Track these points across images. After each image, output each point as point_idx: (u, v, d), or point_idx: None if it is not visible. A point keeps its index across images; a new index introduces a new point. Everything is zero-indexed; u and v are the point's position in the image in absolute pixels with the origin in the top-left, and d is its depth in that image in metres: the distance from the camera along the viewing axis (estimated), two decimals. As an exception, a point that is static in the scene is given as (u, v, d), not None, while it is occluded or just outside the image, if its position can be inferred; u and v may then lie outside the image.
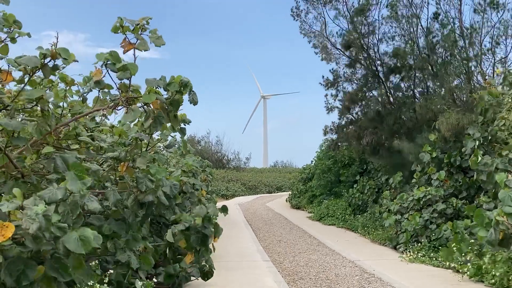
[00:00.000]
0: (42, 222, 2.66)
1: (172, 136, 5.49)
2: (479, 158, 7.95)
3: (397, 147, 12.15)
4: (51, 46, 3.84)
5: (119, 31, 3.81)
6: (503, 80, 9.35)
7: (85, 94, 4.53)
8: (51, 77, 4.36)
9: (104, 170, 4.15)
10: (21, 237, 2.89)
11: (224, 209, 5.61)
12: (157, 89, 3.87)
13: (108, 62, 3.71)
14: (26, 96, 3.83)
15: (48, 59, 3.80)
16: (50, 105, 4.07)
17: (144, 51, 3.88)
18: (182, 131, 4.72)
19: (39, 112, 3.97)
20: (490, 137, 8.91)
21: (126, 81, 3.82)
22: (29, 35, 3.96)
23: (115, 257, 4.31)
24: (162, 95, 3.93)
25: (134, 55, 3.86)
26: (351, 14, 14.29)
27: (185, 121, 4.70)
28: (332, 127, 16.32)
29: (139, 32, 3.83)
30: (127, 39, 3.87)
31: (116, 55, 3.74)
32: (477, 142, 9.04)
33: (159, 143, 5.37)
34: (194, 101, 4.09)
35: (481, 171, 7.91)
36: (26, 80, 3.95)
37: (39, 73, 4.05)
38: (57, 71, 4.06)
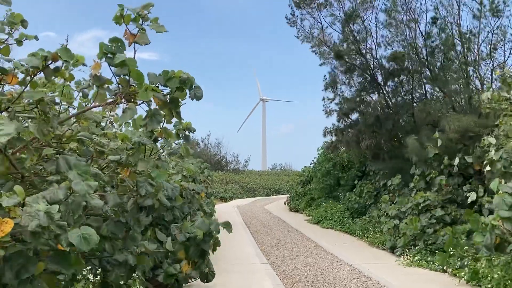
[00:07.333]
0: (44, 219, 2.68)
1: (176, 143, 5.48)
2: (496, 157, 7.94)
3: (404, 144, 12.09)
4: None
5: (121, 21, 3.75)
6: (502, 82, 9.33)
7: (85, 90, 4.50)
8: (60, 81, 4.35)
9: (105, 174, 4.15)
10: (20, 234, 2.90)
11: (227, 225, 5.33)
12: (156, 86, 3.80)
13: (108, 55, 3.62)
14: (26, 96, 3.81)
15: (50, 61, 3.80)
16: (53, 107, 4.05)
17: (145, 45, 3.81)
18: (187, 138, 4.78)
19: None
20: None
21: (126, 76, 3.77)
22: (36, 38, 3.92)
23: (113, 259, 4.32)
24: (162, 92, 3.86)
25: (134, 48, 3.79)
26: (344, 19, 14.27)
27: (190, 129, 4.71)
28: (331, 129, 16.38)
29: (140, 22, 3.75)
30: (128, 31, 3.81)
31: (121, 42, 3.60)
32: (494, 148, 8.90)
33: (162, 149, 5.35)
34: (197, 97, 3.94)
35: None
36: (28, 81, 3.95)
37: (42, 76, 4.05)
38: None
